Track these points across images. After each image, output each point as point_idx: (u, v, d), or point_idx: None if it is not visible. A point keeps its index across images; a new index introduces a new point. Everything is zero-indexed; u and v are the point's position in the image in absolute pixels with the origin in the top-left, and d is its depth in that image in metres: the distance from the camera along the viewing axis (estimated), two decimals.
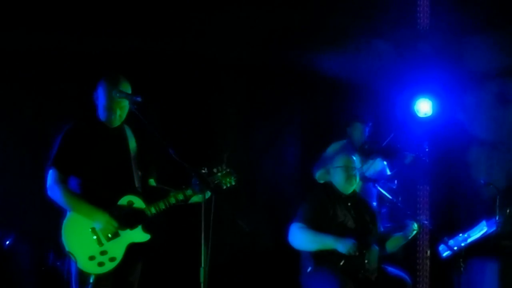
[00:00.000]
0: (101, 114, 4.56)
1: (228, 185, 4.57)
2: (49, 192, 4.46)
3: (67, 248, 4.36)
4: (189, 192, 4.49)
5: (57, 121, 4.68)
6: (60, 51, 6.16)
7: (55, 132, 4.54)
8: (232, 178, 4.58)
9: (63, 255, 4.41)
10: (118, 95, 4.42)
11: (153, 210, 4.48)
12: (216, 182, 4.52)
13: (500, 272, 6.26)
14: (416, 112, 7.15)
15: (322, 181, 6.46)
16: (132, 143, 4.64)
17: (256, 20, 6.79)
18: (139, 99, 4.40)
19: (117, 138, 4.60)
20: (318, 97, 7.36)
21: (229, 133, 7.00)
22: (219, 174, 4.54)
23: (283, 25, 6.90)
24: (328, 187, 5.84)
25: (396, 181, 6.78)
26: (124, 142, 4.62)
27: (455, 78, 7.15)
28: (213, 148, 6.58)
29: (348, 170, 5.76)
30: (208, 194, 4.19)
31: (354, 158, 5.89)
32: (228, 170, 4.56)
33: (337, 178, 5.79)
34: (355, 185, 5.85)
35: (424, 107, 7.13)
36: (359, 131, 6.90)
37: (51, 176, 4.46)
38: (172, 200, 4.50)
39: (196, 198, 4.47)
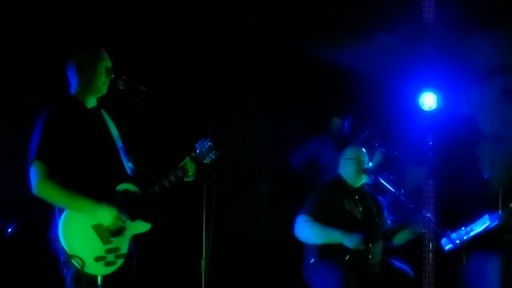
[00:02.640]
0: (85, 88, 4.17)
1: (209, 159, 4.23)
2: (38, 190, 3.92)
3: (69, 252, 3.88)
4: (179, 173, 4.19)
5: None
6: (61, 41, 6.14)
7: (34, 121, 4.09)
8: (212, 152, 4.22)
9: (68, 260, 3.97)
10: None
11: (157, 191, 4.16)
12: (197, 158, 4.20)
13: (502, 266, 6.27)
14: (421, 105, 7.14)
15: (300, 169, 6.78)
16: (112, 126, 4.30)
17: (262, 12, 6.79)
18: (142, 88, 4.20)
19: (98, 120, 4.23)
20: (323, 89, 7.36)
21: (233, 124, 7.01)
22: (203, 149, 4.22)
23: (288, 18, 6.90)
24: (337, 179, 5.84)
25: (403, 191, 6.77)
26: (106, 124, 4.25)
27: (460, 72, 7.13)
28: (216, 139, 6.58)
29: (359, 163, 5.76)
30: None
31: (364, 150, 5.89)
32: (210, 144, 4.22)
33: (348, 171, 5.79)
34: (365, 178, 5.85)
35: (428, 100, 7.11)
36: (337, 126, 7.04)
37: (37, 172, 3.91)
38: (168, 182, 4.17)
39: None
